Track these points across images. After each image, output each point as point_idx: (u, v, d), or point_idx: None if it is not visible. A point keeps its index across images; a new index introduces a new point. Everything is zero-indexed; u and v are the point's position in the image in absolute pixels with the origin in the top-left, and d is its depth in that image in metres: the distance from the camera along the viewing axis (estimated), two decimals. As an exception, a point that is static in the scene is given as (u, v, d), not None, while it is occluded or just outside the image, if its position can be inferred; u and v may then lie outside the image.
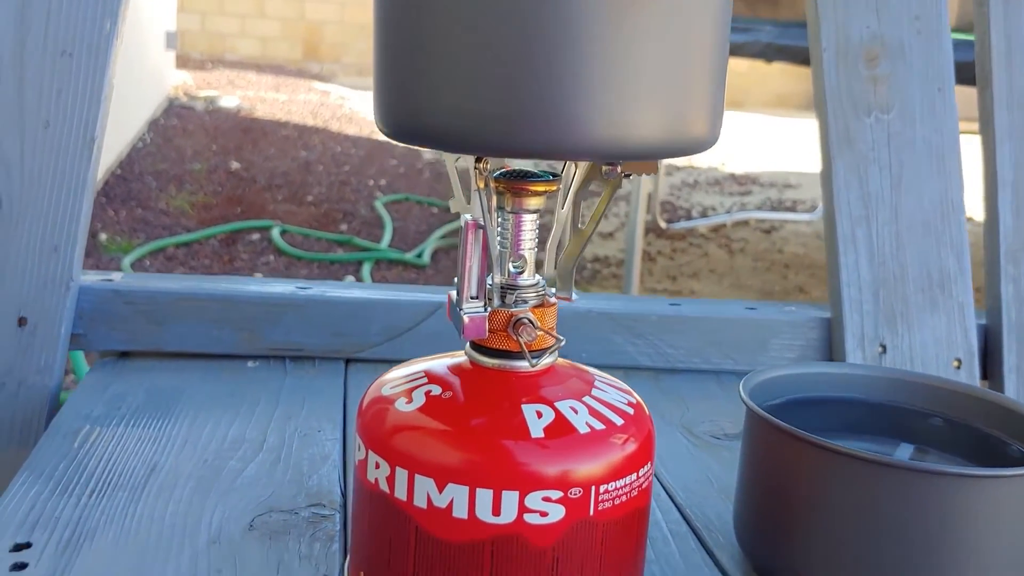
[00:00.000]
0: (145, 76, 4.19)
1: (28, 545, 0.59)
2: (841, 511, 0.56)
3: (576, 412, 0.51)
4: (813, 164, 4.73)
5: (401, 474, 0.50)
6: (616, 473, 0.51)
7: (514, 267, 0.53)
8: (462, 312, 0.51)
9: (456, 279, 0.52)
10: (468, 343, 0.54)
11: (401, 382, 0.54)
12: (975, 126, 1.02)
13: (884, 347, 0.95)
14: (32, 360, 0.82)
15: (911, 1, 0.97)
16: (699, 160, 4.80)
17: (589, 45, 0.43)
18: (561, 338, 0.53)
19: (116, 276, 0.90)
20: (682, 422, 0.85)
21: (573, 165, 0.54)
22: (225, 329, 0.89)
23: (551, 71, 0.43)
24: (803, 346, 0.97)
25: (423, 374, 0.54)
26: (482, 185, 0.50)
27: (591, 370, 0.57)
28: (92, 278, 0.88)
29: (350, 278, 2.58)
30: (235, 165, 3.74)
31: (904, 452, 0.66)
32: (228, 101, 5.11)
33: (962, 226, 0.98)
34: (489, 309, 0.52)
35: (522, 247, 0.53)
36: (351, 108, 5.49)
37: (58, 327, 0.83)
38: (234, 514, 0.64)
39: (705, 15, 0.46)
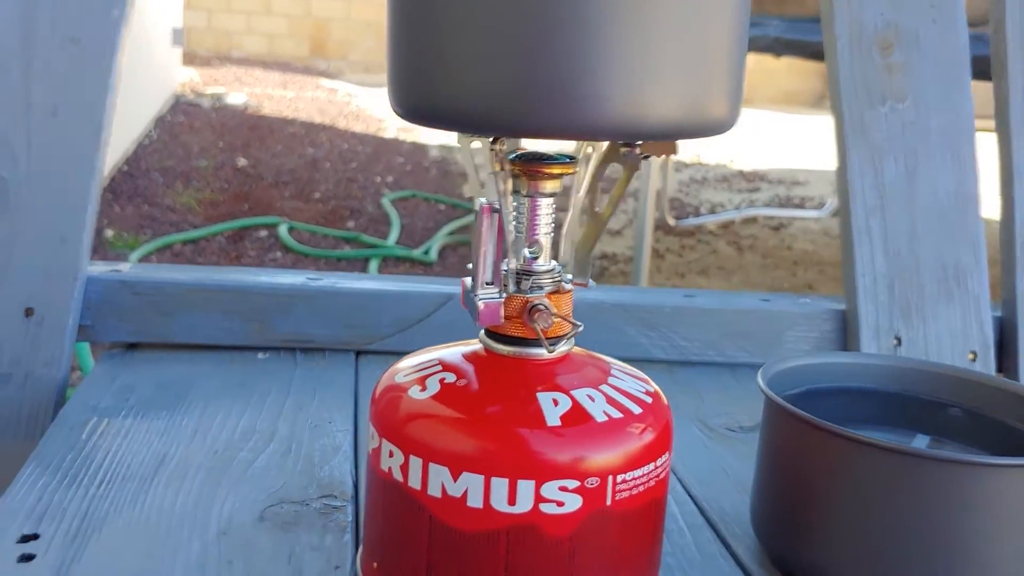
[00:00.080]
0: (151, 73, 4.18)
1: (36, 536, 0.58)
2: (861, 500, 0.55)
3: (593, 400, 0.51)
4: (821, 161, 4.72)
5: (415, 463, 0.49)
6: (634, 463, 0.50)
7: (529, 252, 0.52)
8: (477, 298, 0.50)
9: (470, 265, 0.51)
10: (483, 330, 0.53)
11: (415, 370, 0.53)
12: (985, 123, 1.01)
13: (899, 339, 0.94)
14: (39, 351, 0.82)
15: (927, -11, 0.96)
16: (707, 157, 4.79)
17: (608, 23, 0.42)
18: (579, 324, 0.52)
19: (124, 267, 0.89)
20: (697, 415, 0.85)
21: (590, 148, 0.53)
22: (235, 320, 0.88)
23: (570, 48, 0.42)
24: (818, 338, 0.96)
25: (437, 362, 0.53)
26: (498, 167, 0.49)
27: (608, 358, 0.56)
28: (100, 268, 0.87)
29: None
30: (242, 162, 3.74)
31: (920, 443, 0.65)
32: (235, 98, 5.10)
33: (977, 217, 0.97)
34: (504, 295, 0.51)
35: (538, 232, 0.52)
36: (358, 105, 5.49)
37: (65, 318, 0.82)
38: (245, 505, 0.63)
39: (726, -7, 0.45)
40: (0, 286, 0.81)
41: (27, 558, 0.56)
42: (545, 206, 0.52)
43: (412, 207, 3.36)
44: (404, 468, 0.50)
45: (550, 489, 0.48)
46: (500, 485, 0.48)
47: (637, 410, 0.51)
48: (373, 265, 2.67)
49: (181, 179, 3.39)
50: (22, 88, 0.81)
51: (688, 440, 0.79)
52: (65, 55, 0.81)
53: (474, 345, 0.54)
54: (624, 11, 0.42)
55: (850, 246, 0.95)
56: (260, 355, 0.89)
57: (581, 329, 0.52)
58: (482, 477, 0.48)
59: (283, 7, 7.11)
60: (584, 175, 0.54)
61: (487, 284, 0.50)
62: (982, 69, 1.01)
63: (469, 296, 0.51)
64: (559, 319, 0.52)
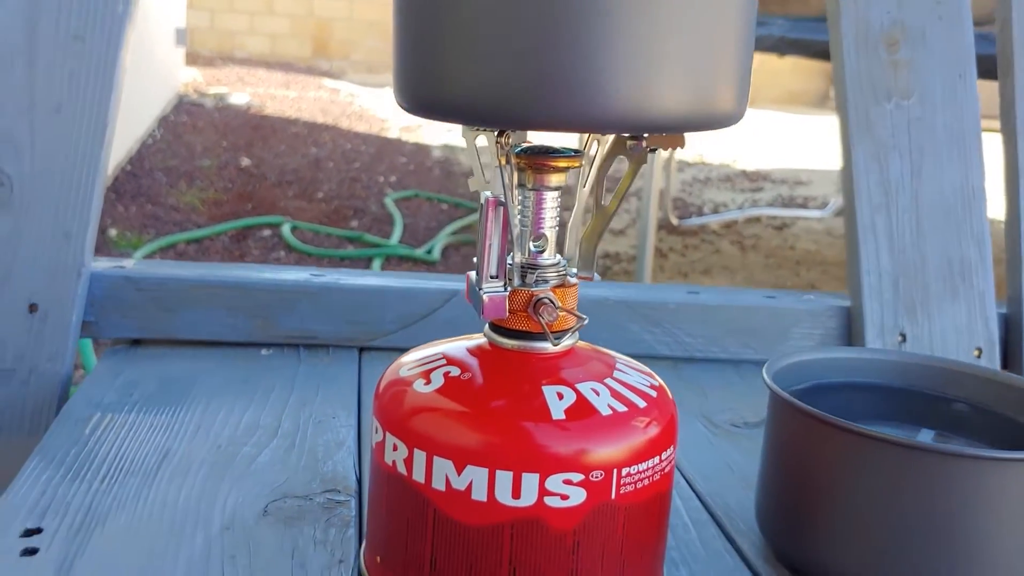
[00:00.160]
0: (155, 73, 4.19)
1: (39, 530, 0.58)
2: (866, 494, 0.55)
3: (598, 394, 0.50)
4: (825, 161, 4.72)
5: (419, 456, 0.49)
6: (638, 456, 0.50)
7: (535, 246, 0.52)
8: (481, 292, 0.50)
9: (475, 259, 0.50)
10: (487, 324, 0.53)
11: (419, 364, 0.53)
12: (989, 124, 1.01)
13: (904, 336, 0.94)
14: (43, 347, 0.82)
15: (932, -14, 0.95)
16: (711, 156, 4.79)
17: (615, 14, 0.42)
18: (584, 316, 0.52)
19: (128, 263, 0.89)
20: (701, 411, 0.84)
21: (596, 141, 0.53)
22: (238, 317, 0.88)
23: (576, 40, 0.42)
24: (822, 335, 0.96)
25: (441, 356, 0.53)
26: (503, 161, 0.49)
27: (612, 353, 0.56)
28: (104, 264, 0.87)
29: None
30: (245, 162, 3.74)
31: (925, 438, 0.65)
32: (238, 98, 5.11)
33: (983, 213, 0.96)
34: (509, 289, 0.51)
35: (543, 225, 0.52)
36: (361, 105, 5.49)
37: (69, 314, 0.82)
38: (248, 499, 0.63)
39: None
40: (4, 282, 0.81)
41: (30, 552, 0.55)
42: (550, 199, 0.51)
43: (415, 207, 3.36)
44: (408, 461, 0.50)
45: (554, 482, 0.48)
46: (504, 478, 0.48)
47: (642, 404, 0.51)
48: (376, 264, 2.67)
49: (185, 179, 3.39)
50: (26, 85, 0.81)
51: (692, 436, 0.79)
52: (69, 52, 0.81)
53: (478, 339, 0.54)
54: (631, 3, 0.42)
55: (855, 243, 0.95)
56: (263, 351, 0.89)
57: (586, 322, 0.52)
58: (486, 470, 0.48)
59: (286, 7, 7.12)
60: (590, 169, 0.53)
61: (492, 278, 0.50)
62: (987, 68, 1.00)
63: (474, 290, 0.51)
64: (564, 313, 0.52)
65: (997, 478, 0.53)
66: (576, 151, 0.51)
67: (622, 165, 0.52)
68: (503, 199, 0.49)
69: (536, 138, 0.52)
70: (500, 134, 0.48)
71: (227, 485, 0.65)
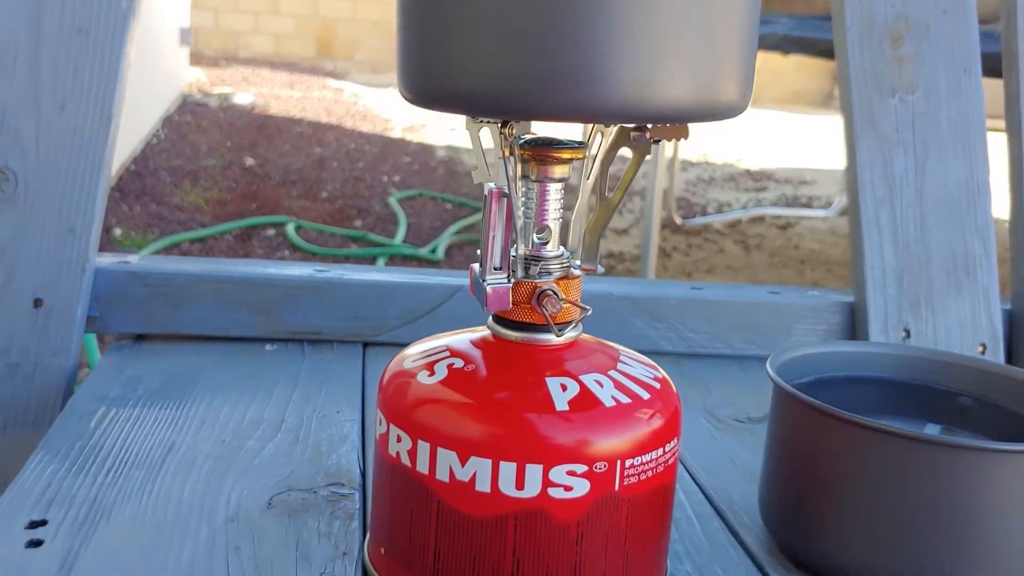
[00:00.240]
0: (159, 72, 4.19)
1: (44, 522, 0.58)
2: (870, 487, 0.55)
3: (601, 386, 0.50)
4: (828, 160, 4.71)
5: (423, 447, 0.49)
6: (642, 448, 0.50)
7: (538, 238, 0.52)
8: (485, 283, 0.50)
9: (479, 251, 0.50)
10: (491, 316, 0.53)
11: (423, 356, 0.53)
12: (994, 123, 1.01)
13: (908, 332, 0.94)
14: (48, 342, 0.82)
15: (936, -19, 0.95)
16: (715, 156, 4.78)
17: (618, 4, 0.42)
18: (587, 307, 0.52)
19: (132, 258, 0.89)
20: (705, 406, 0.84)
21: (599, 133, 0.53)
22: (243, 312, 0.88)
23: (580, 30, 0.42)
24: (826, 331, 0.96)
25: (445, 348, 0.53)
26: (507, 152, 0.49)
27: (616, 345, 0.56)
28: (108, 260, 0.87)
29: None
30: (250, 161, 3.74)
31: (931, 432, 0.65)
32: (242, 98, 5.11)
33: (988, 208, 0.96)
34: (513, 280, 0.51)
35: (547, 217, 0.52)
36: (365, 105, 5.49)
37: (74, 309, 0.82)
38: (252, 492, 0.63)
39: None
40: (9, 277, 0.81)
41: (35, 543, 0.56)
42: (554, 191, 0.51)
43: (419, 206, 3.36)
44: (412, 453, 0.50)
45: (558, 473, 0.48)
46: (508, 469, 0.48)
47: (645, 396, 0.51)
48: (380, 264, 2.67)
49: (189, 178, 3.39)
50: (31, 80, 0.81)
51: (696, 431, 0.79)
52: (74, 47, 0.81)
53: (482, 331, 0.54)
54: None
55: (859, 238, 0.95)
56: (268, 347, 0.89)
57: (590, 313, 0.52)
58: (490, 461, 0.48)
59: (290, 7, 7.13)
60: (594, 161, 0.53)
61: (496, 269, 0.50)
62: (992, 67, 1.00)
63: (478, 281, 0.51)
64: (568, 304, 0.52)
65: (1001, 470, 0.53)
66: (580, 143, 0.51)
67: (624, 165, 0.52)
68: (507, 191, 0.49)
69: (540, 129, 0.52)
70: (504, 125, 0.48)
71: (231, 478, 0.65)
